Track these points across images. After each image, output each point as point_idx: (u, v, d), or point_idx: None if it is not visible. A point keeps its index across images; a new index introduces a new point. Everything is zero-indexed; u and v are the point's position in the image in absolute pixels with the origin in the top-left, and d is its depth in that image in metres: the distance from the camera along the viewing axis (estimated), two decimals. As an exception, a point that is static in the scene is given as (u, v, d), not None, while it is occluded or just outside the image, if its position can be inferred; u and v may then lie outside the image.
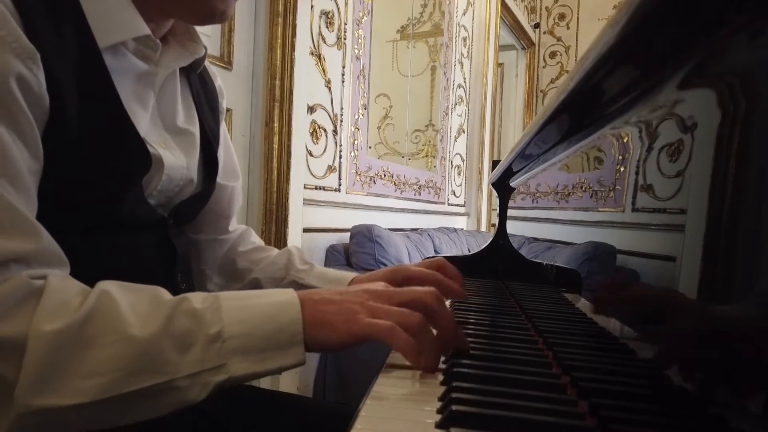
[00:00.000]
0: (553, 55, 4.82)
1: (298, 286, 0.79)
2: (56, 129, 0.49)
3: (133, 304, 0.44)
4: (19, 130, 0.44)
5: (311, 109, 1.91)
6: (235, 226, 0.87)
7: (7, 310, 0.41)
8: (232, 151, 0.85)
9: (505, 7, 3.95)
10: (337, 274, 0.80)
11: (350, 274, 0.78)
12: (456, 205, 3.43)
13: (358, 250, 2.02)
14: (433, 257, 1.10)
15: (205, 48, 0.69)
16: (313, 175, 1.95)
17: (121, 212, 0.57)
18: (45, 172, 0.48)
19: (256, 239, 0.89)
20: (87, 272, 0.49)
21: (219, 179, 0.79)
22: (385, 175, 2.48)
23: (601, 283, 0.66)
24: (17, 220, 0.43)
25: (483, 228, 3.62)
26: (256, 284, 0.82)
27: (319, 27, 1.94)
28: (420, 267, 0.69)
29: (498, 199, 1.21)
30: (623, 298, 0.56)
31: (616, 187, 0.59)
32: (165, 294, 0.47)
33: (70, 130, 0.50)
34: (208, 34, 1.57)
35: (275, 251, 0.86)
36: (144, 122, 0.60)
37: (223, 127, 0.81)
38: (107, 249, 0.57)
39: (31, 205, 0.46)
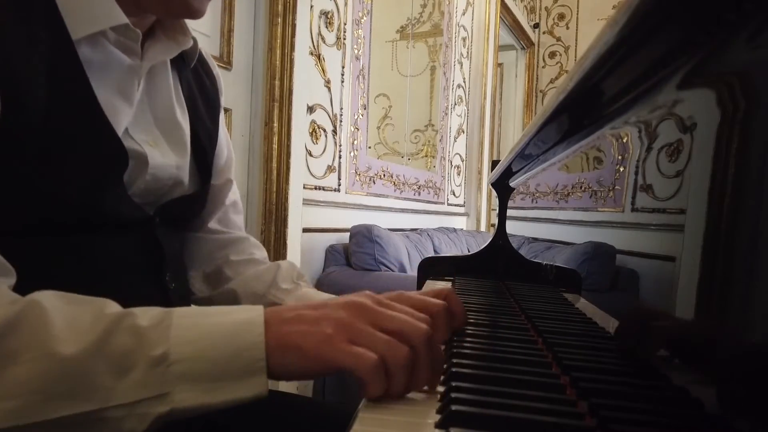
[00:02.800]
0: (552, 55, 4.82)
1: (274, 305, 0.73)
2: (22, 124, 0.47)
3: (71, 317, 0.38)
4: None
5: (311, 109, 1.91)
6: (227, 228, 0.80)
7: None
8: (231, 148, 0.82)
9: (504, 7, 3.95)
10: (326, 296, 0.72)
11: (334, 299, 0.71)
12: (455, 205, 3.43)
13: (357, 250, 2.02)
14: (430, 256, 1.09)
15: (194, 39, 0.67)
16: (312, 175, 1.95)
17: (102, 210, 0.55)
18: (13, 169, 0.47)
19: (256, 251, 0.81)
20: (67, 274, 0.48)
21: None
22: (384, 175, 2.48)
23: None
24: None
25: (482, 228, 3.62)
26: (232, 296, 0.76)
27: (319, 27, 1.94)
28: (425, 295, 0.67)
29: (497, 199, 1.21)
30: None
31: (616, 187, 0.59)
32: (110, 307, 0.40)
33: (36, 124, 0.48)
34: (207, 34, 1.57)
35: (268, 265, 0.79)
36: (127, 117, 0.58)
37: (221, 123, 0.79)
38: (88, 249, 0.55)
39: None
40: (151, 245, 0.63)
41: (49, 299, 0.39)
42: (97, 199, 0.54)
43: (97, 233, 0.56)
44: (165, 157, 0.62)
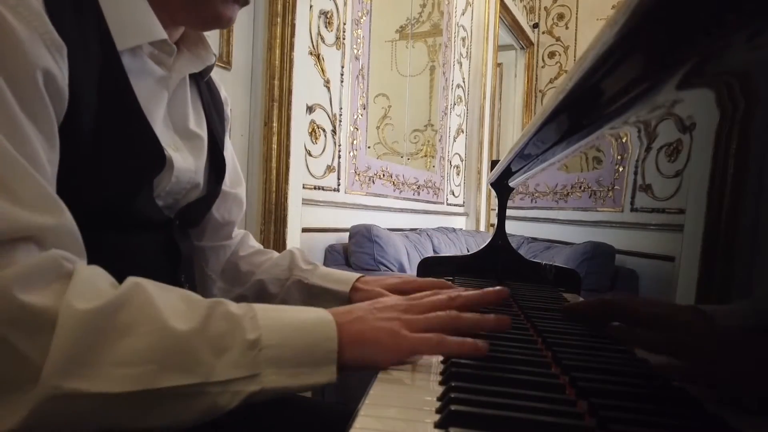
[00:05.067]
0: (551, 55, 4.82)
1: (302, 285, 0.81)
2: (74, 126, 0.49)
3: (166, 299, 0.43)
4: (40, 121, 0.44)
5: (310, 109, 1.91)
6: (236, 231, 0.89)
7: (36, 281, 0.39)
8: (235, 158, 0.87)
9: (503, 7, 3.95)
10: (341, 274, 0.81)
11: (353, 275, 0.79)
12: (455, 205, 3.43)
13: (357, 250, 2.02)
14: (430, 256, 1.09)
15: (215, 55, 0.71)
16: (312, 175, 1.94)
17: (131, 211, 0.58)
18: (61, 170, 0.48)
19: (254, 243, 0.90)
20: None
21: (223, 186, 0.80)
22: (384, 175, 2.48)
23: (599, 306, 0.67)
24: (41, 195, 0.42)
25: (482, 228, 3.62)
26: (261, 286, 0.83)
27: (318, 27, 1.94)
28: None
29: (497, 199, 1.21)
30: (621, 312, 0.57)
31: (615, 187, 0.59)
32: (197, 295, 0.46)
33: (88, 128, 0.51)
34: (207, 34, 1.57)
35: (275, 254, 0.87)
36: (158, 124, 0.61)
37: (227, 135, 0.83)
38: (114, 246, 0.58)
39: (51, 188, 0.44)
40: (170, 246, 0.66)
41: (146, 282, 0.43)
42: (129, 199, 0.57)
43: (123, 232, 0.59)
44: (185, 161, 0.65)
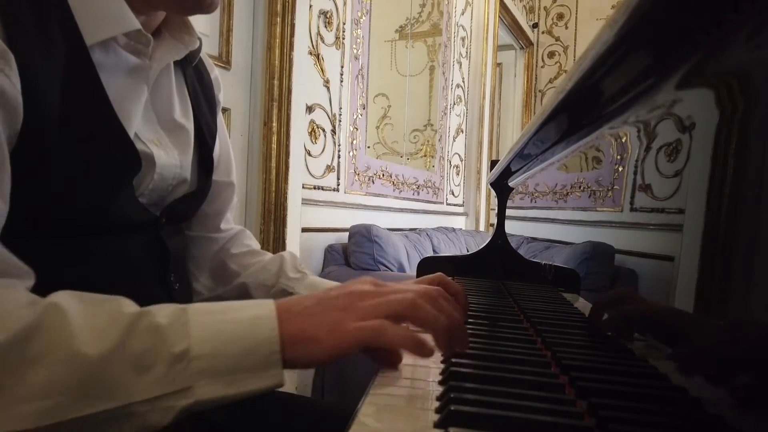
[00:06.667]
0: (551, 54, 4.82)
1: (287, 294, 0.76)
2: (39, 129, 0.47)
3: (89, 317, 0.39)
4: None
5: (310, 109, 1.91)
6: (230, 225, 0.84)
7: None
8: (228, 146, 0.83)
9: (503, 6, 3.95)
10: (331, 285, 0.76)
11: None
12: (454, 204, 3.43)
13: (356, 249, 2.02)
14: (429, 256, 1.09)
15: (200, 39, 0.68)
16: (311, 174, 1.94)
17: (111, 213, 0.55)
18: (32, 174, 0.47)
19: (251, 242, 0.85)
20: (75, 275, 0.47)
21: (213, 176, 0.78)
22: (383, 175, 2.48)
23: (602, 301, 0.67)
24: None
25: (482, 228, 3.62)
26: (243, 290, 0.79)
27: (318, 27, 1.94)
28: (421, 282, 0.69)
29: (496, 199, 1.21)
30: (624, 311, 0.57)
31: (615, 187, 0.59)
32: (127, 306, 0.42)
33: (54, 130, 0.48)
34: (207, 34, 1.57)
35: (269, 256, 0.83)
36: (137, 119, 0.58)
37: (220, 120, 0.79)
38: (96, 250, 0.56)
39: None
40: (157, 246, 0.63)
41: (66, 300, 0.40)
42: (107, 201, 0.54)
43: (106, 235, 0.56)
44: (169, 156, 0.62)
